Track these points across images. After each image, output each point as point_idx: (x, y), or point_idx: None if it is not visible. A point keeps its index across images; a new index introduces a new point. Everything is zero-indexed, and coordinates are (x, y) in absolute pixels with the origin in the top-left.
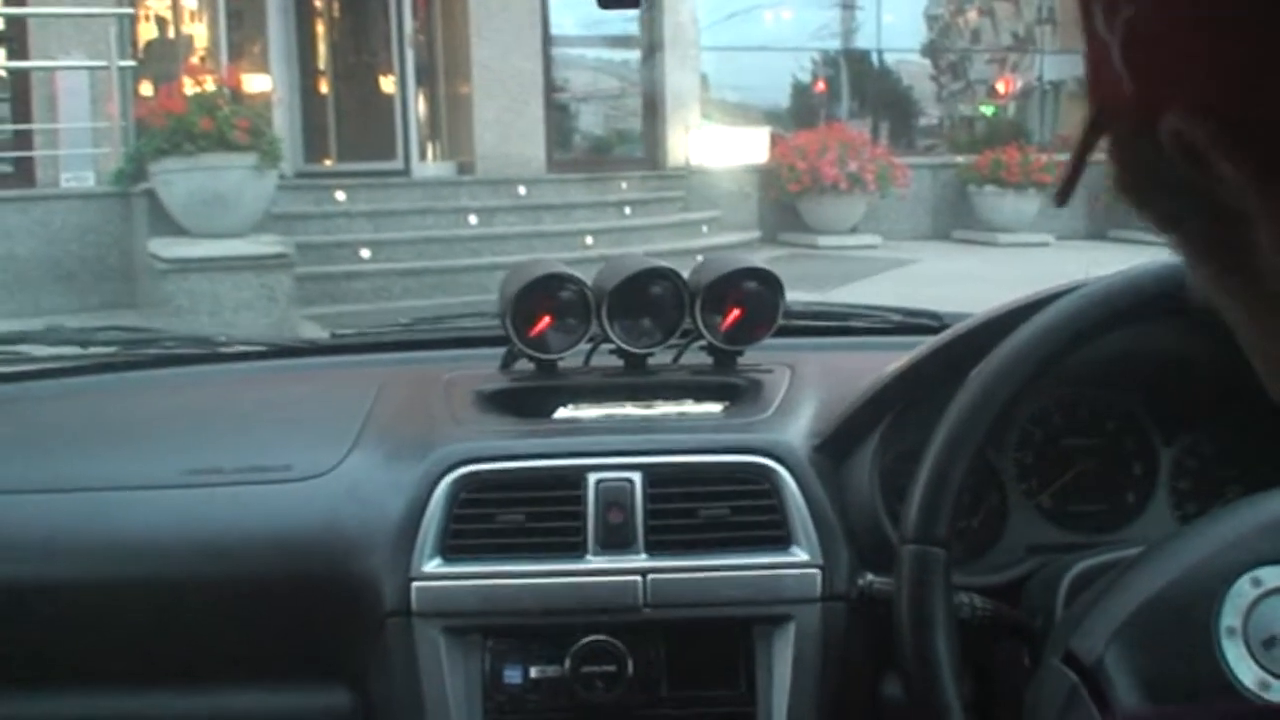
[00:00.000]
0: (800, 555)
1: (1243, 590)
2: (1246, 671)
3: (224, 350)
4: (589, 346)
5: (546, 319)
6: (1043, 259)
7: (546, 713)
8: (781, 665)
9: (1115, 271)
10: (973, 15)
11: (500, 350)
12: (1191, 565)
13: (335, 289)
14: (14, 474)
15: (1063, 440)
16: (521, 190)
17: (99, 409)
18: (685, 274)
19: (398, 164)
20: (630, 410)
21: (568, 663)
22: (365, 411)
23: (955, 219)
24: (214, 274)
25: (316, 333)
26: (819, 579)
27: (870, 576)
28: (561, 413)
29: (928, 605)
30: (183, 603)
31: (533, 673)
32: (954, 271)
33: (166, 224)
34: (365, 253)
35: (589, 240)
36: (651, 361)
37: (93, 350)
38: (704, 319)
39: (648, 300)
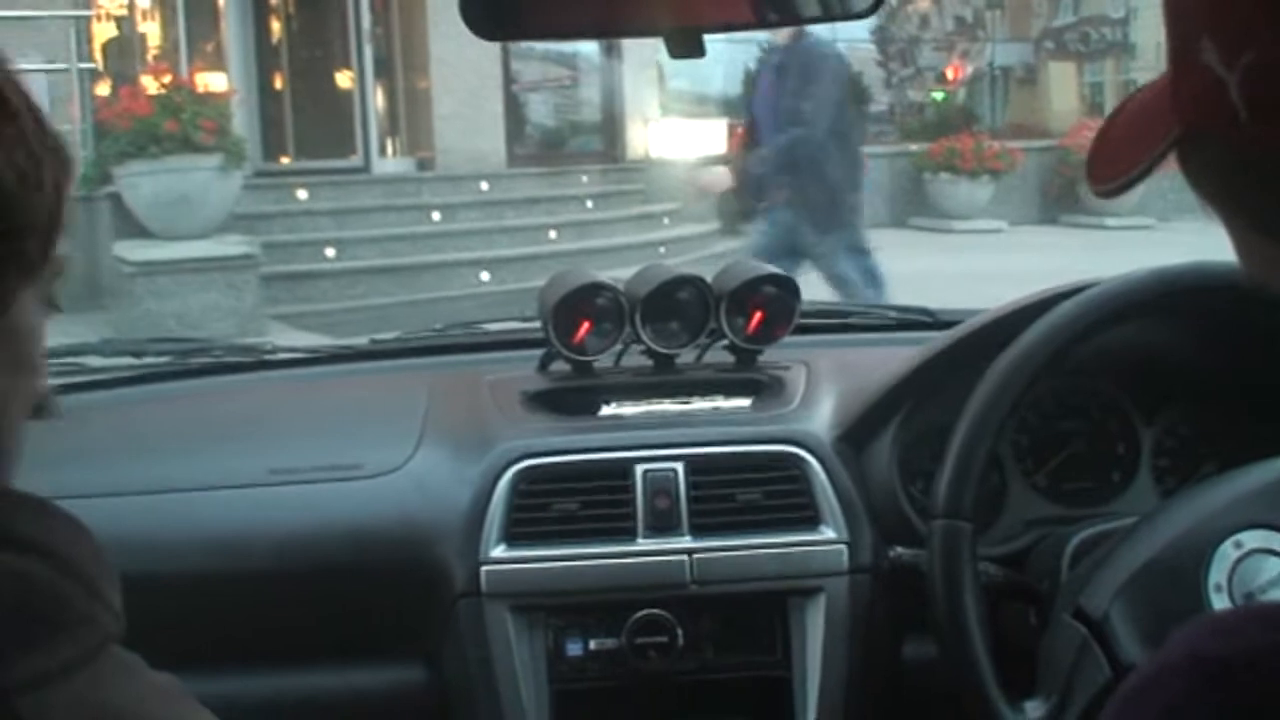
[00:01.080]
0: (828, 533)
1: (1227, 552)
2: None
3: (269, 358)
4: (620, 348)
5: (586, 324)
6: (997, 245)
7: (605, 681)
8: (814, 632)
9: (1111, 277)
10: (922, 2)
11: (531, 352)
12: (1182, 531)
13: (301, 288)
14: (109, 478)
15: (1055, 425)
16: (483, 186)
17: (168, 416)
18: (629, 273)
19: (358, 160)
20: (668, 406)
21: (623, 635)
22: (422, 412)
23: (911, 206)
24: (181, 276)
25: (285, 332)
26: (846, 554)
27: (899, 549)
28: (605, 410)
29: (957, 572)
30: (267, 592)
31: (592, 645)
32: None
33: (131, 227)
34: (330, 251)
35: (552, 234)
36: (678, 361)
37: (146, 360)
38: (728, 321)
39: (676, 305)
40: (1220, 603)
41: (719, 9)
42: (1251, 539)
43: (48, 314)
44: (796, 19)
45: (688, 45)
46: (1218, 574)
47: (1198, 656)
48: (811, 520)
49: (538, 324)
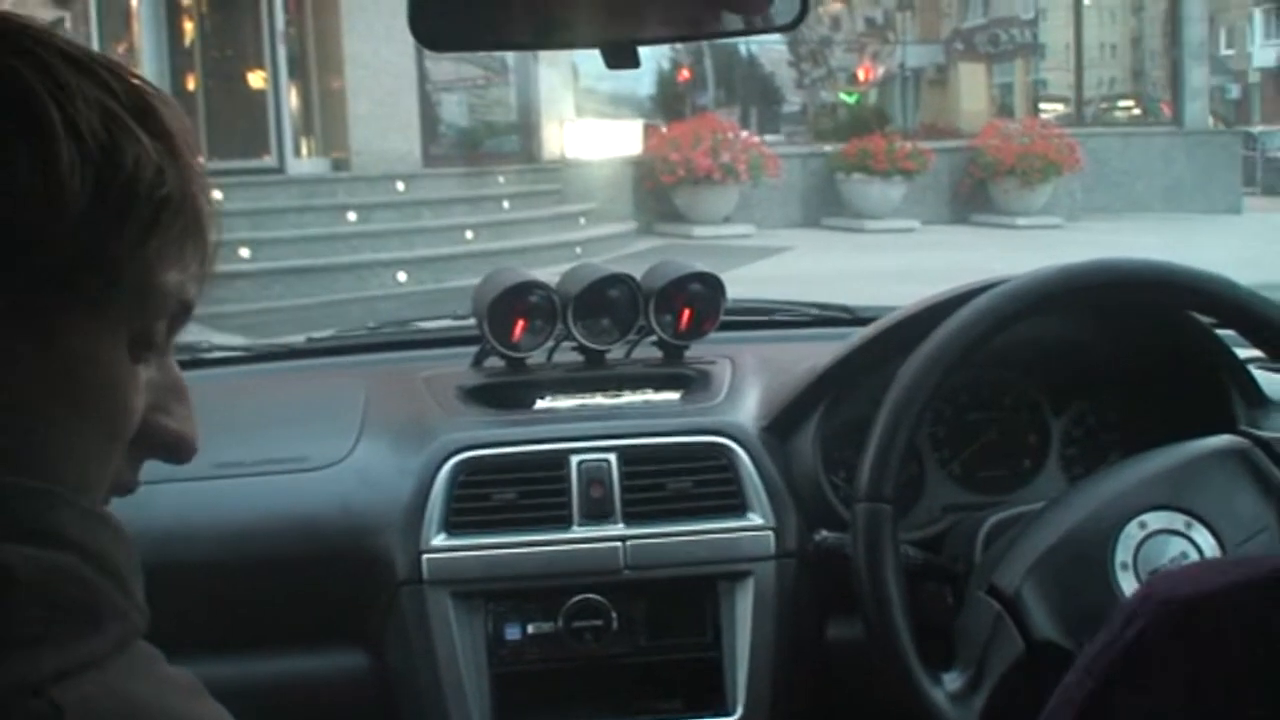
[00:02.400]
0: (755, 519)
1: (1132, 532)
2: None
3: (205, 356)
4: (552, 344)
5: (520, 322)
6: (910, 244)
7: (543, 663)
8: (743, 614)
9: (1021, 274)
10: (834, 4)
11: (465, 349)
12: (1089, 513)
13: (216, 289)
14: None
15: (969, 416)
16: (399, 186)
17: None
18: (548, 273)
19: (272, 161)
20: (600, 400)
21: (560, 620)
22: (361, 407)
23: (824, 206)
24: None
25: (202, 333)
26: (772, 539)
27: (825, 533)
28: (539, 404)
29: (880, 551)
30: (214, 582)
31: (530, 629)
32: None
33: None
34: (245, 252)
35: (469, 235)
36: (608, 357)
37: None
38: (656, 318)
39: (606, 302)
40: (1126, 580)
41: (652, 22)
42: (1155, 520)
43: (146, 357)
44: (725, 32)
45: (623, 57)
46: (1123, 553)
47: (1166, 599)
48: (739, 508)
49: (470, 322)
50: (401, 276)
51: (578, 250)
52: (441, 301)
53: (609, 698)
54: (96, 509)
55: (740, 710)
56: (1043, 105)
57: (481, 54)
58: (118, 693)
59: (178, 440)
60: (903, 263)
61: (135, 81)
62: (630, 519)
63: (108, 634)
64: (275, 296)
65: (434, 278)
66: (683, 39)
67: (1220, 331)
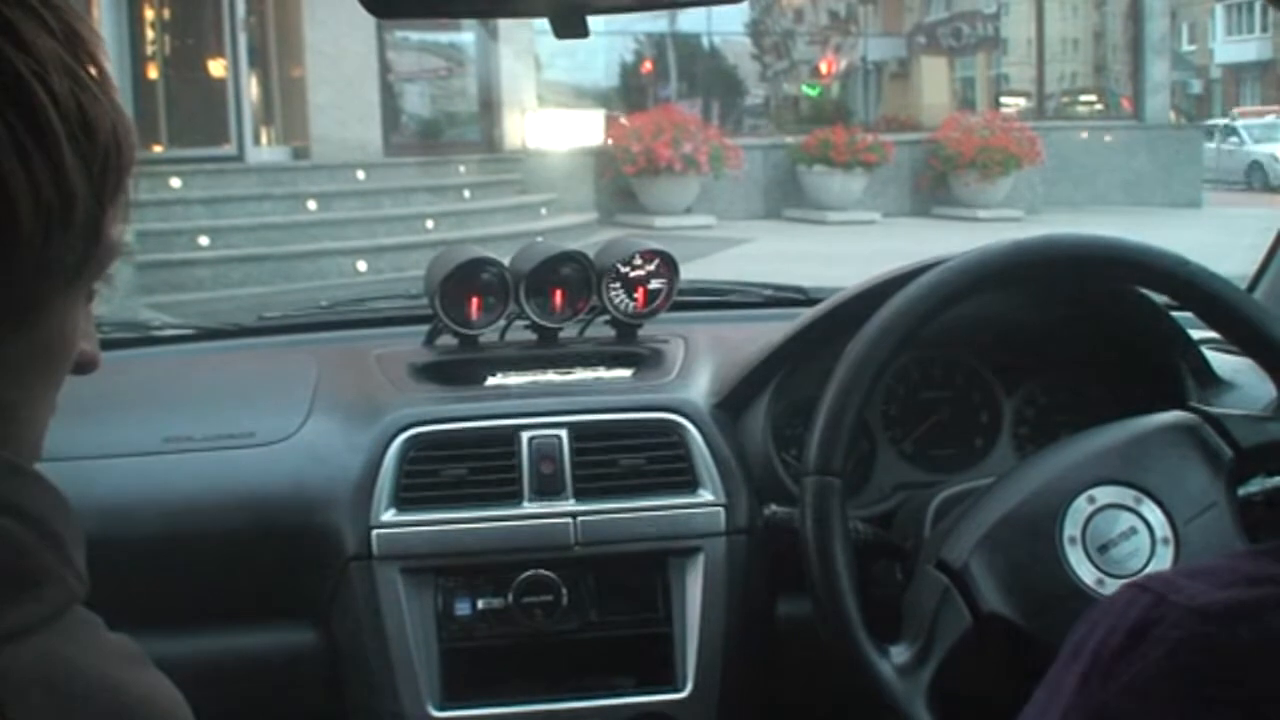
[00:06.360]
0: (706, 496)
1: (1080, 506)
2: (1086, 572)
3: (157, 334)
4: (504, 323)
5: (473, 300)
6: (871, 236)
7: (493, 639)
8: (693, 590)
9: (969, 249)
10: None
11: (418, 328)
12: (1038, 487)
13: (175, 277)
14: None
15: (920, 394)
16: (360, 175)
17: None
18: (510, 258)
19: (231, 149)
20: (552, 377)
21: (510, 595)
22: (312, 384)
23: (786, 198)
24: None
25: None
26: (723, 516)
27: (774, 507)
28: (491, 380)
29: (828, 524)
30: (163, 558)
31: (480, 605)
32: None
33: None
34: (204, 240)
35: (430, 224)
36: (561, 335)
37: None
38: (609, 296)
39: (559, 280)
40: (1074, 554)
41: None
42: (1104, 494)
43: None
44: (676, 2)
45: (572, 25)
46: (1071, 527)
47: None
48: (690, 484)
49: (423, 301)
50: (361, 265)
51: (539, 240)
52: (401, 290)
53: (558, 673)
54: (30, 469)
55: (690, 686)
56: (1004, 99)
57: (443, 44)
58: (52, 658)
59: (91, 360)
60: (865, 252)
61: (65, 12)
62: (581, 495)
63: (44, 600)
64: (234, 284)
65: (394, 266)
66: (631, 8)
67: (1176, 313)
